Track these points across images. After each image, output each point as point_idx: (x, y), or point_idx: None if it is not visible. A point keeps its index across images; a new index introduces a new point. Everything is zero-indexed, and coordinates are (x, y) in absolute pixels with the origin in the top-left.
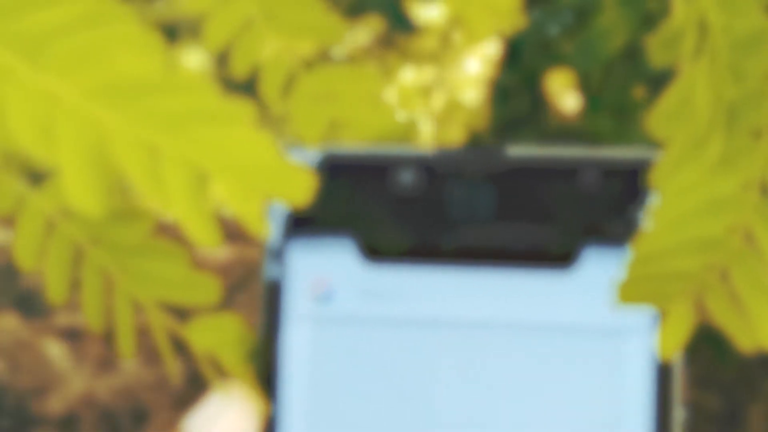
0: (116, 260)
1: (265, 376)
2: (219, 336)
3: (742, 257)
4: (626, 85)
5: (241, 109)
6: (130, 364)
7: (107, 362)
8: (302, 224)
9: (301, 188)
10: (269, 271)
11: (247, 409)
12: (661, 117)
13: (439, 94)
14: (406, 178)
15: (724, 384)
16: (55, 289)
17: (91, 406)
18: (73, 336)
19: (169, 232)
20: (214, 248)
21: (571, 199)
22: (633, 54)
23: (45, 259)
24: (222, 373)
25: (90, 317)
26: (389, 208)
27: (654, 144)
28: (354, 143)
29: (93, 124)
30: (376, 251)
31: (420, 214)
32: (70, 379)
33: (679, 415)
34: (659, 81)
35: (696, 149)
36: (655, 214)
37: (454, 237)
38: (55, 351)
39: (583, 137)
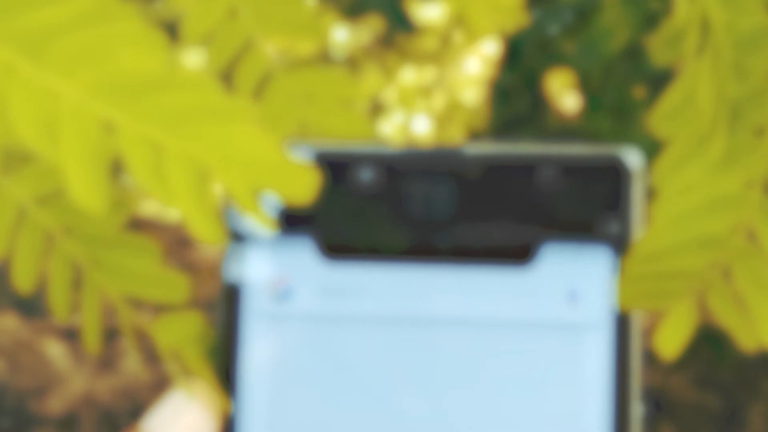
0: (87, 252)
1: (225, 373)
2: (182, 333)
3: (745, 256)
4: (626, 85)
5: (243, 106)
6: (130, 364)
7: (107, 362)
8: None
9: (303, 185)
10: (229, 268)
11: (206, 406)
12: (664, 115)
13: (439, 94)
14: (366, 175)
15: (724, 384)
16: (21, 277)
17: (91, 406)
18: (73, 336)
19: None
20: (216, 246)
21: (530, 197)
22: (633, 54)
23: (14, 247)
24: (187, 370)
25: (56, 307)
26: (348, 205)
27: (625, 141)
28: (314, 141)
29: (96, 121)
30: (335, 249)
31: (379, 212)
32: (70, 379)
33: (637, 410)
34: (659, 81)
35: (698, 147)
36: (657, 213)
37: (413, 235)
38: (55, 351)
39: (583, 137)
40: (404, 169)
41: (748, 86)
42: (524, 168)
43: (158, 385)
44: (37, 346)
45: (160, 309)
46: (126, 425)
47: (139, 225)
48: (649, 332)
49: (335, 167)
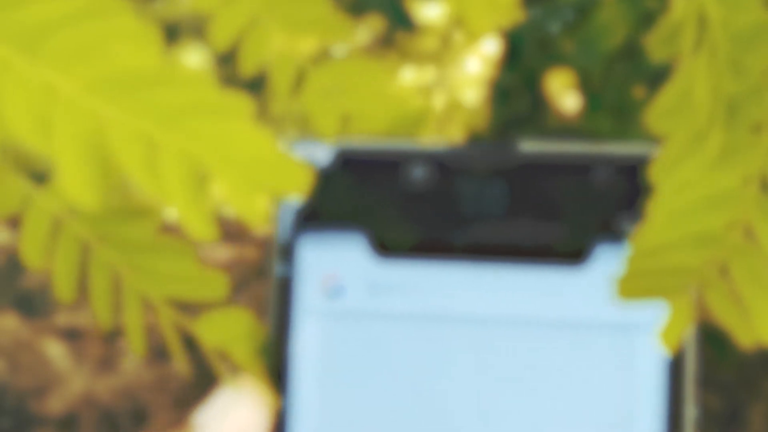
0: (124, 258)
1: (276, 370)
2: (229, 331)
3: (742, 252)
4: (626, 85)
5: (239, 102)
6: (130, 364)
7: (107, 362)
8: (313, 219)
9: (299, 181)
10: (280, 265)
11: (257, 403)
12: (661, 112)
13: (439, 94)
14: (418, 173)
15: (724, 384)
16: (63, 288)
17: (91, 406)
18: (73, 336)
19: (174, 232)
20: (212, 243)
21: (583, 196)
22: (633, 53)
23: (52, 258)
24: (232, 368)
25: (99, 315)
26: (400, 203)
27: (656, 141)
28: (366, 138)
29: (90, 116)
30: (386, 246)
31: (431, 210)
32: (70, 379)
33: (690, 412)
34: (659, 80)
35: (696, 144)
36: (654, 209)
37: (465, 233)
38: (55, 351)
39: (583, 137)
40: (456, 166)
41: (745, 83)
42: (578, 167)
43: (158, 385)
44: (37, 346)
45: (188, 309)
46: (126, 425)
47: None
48: None
49: (387, 165)
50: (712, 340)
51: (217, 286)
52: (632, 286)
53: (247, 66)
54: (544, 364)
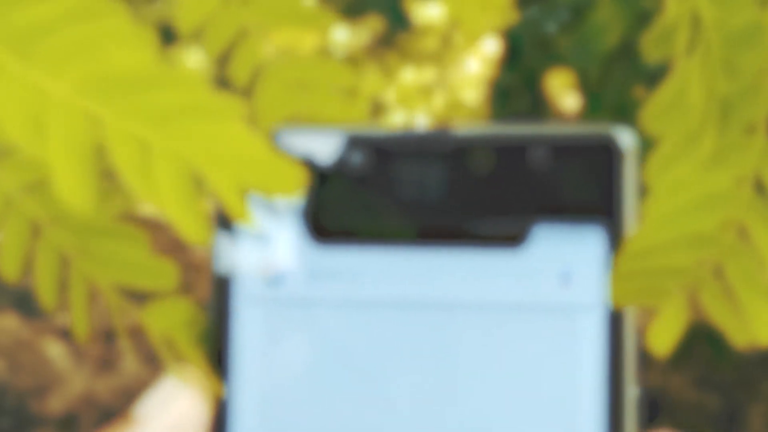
0: (75, 241)
1: (217, 359)
2: (173, 319)
3: (736, 253)
4: (625, 85)
5: (231, 104)
6: (129, 364)
7: (107, 362)
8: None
9: (290, 182)
10: (220, 253)
11: (199, 392)
12: (655, 112)
13: (439, 94)
14: (356, 158)
15: (723, 384)
16: (9, 266)
17: (91, 405)
18: (73, 336)
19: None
20: (204, 246)
21: (521, 177)
22: (632, 53)
23: (1, 235)
24: (179, 356)
25: (43, 297)
26: (338, 188)
27: (617, 123)
28: (302, 124)
29: (83, 118)
30: (325, 232)
31: (370, 195)
32: (70, 379)
33: (632, 392)
34: (658, 80)
35: (689, 144)
36: (648, 210)
37: (404, 217)
38: (55, 351)
39: None
40: (394, 150)
41: (739, 83)
42: (515, 149)
43: None
44: (37, 346)
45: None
46: None
47: (137, 224)
48: (642, 331)
49: (324, 150)
50: (711, 340)
51: (166, 275)
52: (625, 288)
53: (211, 50)
54: (485, 347)
